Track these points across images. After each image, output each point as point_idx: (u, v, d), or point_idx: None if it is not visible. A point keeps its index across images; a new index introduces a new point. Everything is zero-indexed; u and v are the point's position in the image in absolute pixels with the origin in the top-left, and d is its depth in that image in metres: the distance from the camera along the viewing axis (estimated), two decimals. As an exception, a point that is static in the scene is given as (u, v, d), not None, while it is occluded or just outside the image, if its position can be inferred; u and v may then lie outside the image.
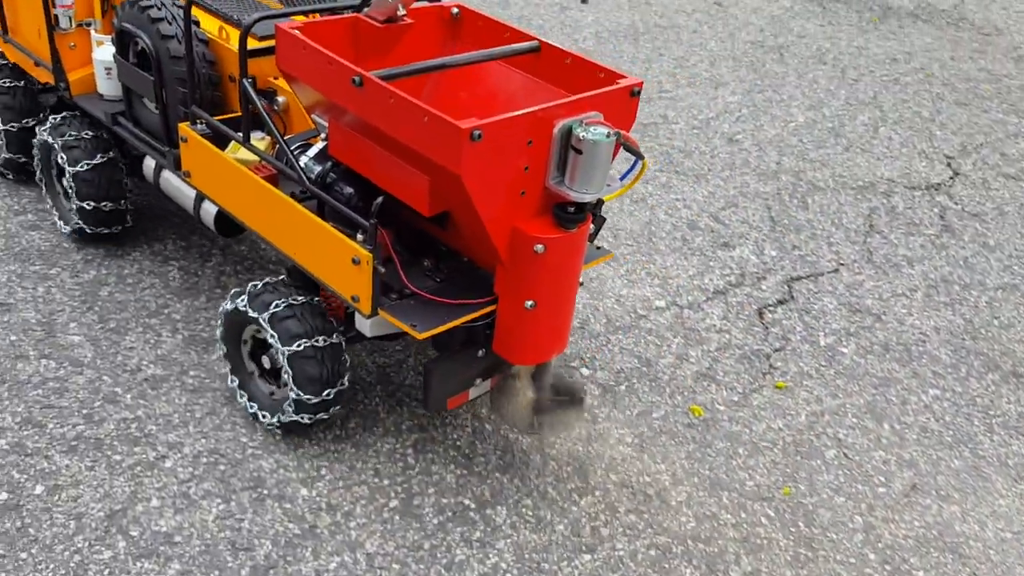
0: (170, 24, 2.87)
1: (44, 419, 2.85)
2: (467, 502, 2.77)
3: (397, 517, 2.69)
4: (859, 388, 3.45)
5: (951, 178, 5.15)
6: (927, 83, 6.47)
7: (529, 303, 2.39)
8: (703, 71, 6.24)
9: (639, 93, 2.41)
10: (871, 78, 6.46)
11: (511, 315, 2.45)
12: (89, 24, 3.31)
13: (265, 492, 2.71)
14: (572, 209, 2.30)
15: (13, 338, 3.13)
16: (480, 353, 2.63)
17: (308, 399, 2.68)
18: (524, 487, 2.84)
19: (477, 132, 2.06)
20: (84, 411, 2.90)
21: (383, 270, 2.40)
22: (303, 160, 2.59)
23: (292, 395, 2.68)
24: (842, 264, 4.21)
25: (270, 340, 2.65)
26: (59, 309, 3.29)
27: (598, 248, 2.85)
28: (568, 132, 2.22)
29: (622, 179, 2.41)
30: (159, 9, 2.87)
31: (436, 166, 2.18)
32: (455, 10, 2.78)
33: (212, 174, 2.86)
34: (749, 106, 5.75)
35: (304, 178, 2.55)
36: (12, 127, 3.69)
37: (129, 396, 2.98)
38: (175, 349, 3.19)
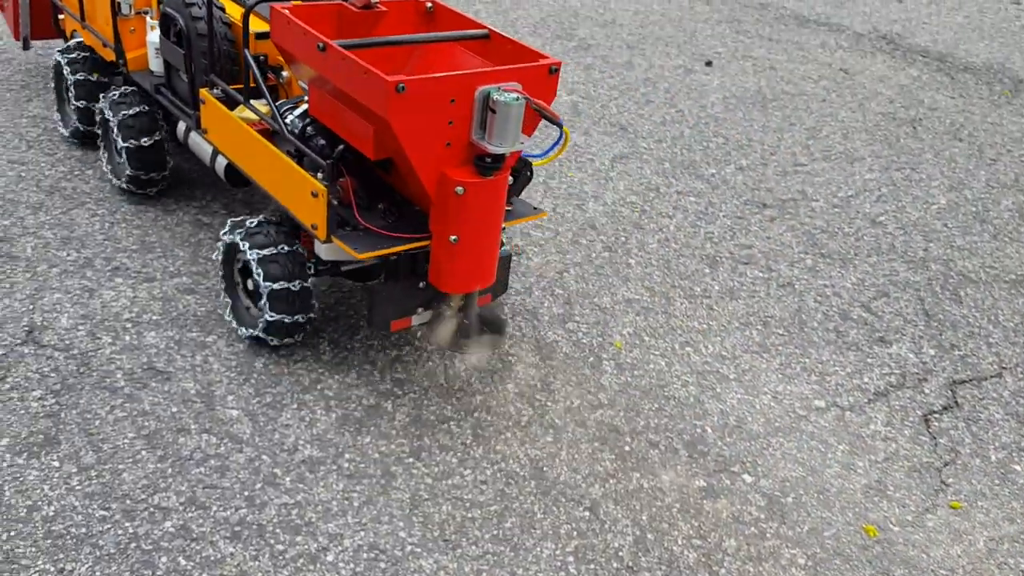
0: (200, 8, 3.48)
1: (208, 500, 2.81)
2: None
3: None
4: (1040, 513, 3.23)
5: (1111, 274, 4.88)
6: (1073, 166, 6.19)
7: (453, 238, 2.89)
8: (836, 143, 6.07)
9: (557, 71, 2.90)
10: (1010, 158, 6.20)
11: (440, 248, 2.96)
12: (146, 12, 4.01)
13: (431, 597, 2.61)
14: (489, 160, 2.79)
15: (174, 410, 3.11)
16: (421, 285, 3.13)
17: (280, 320, 3.24)
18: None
19: (401, 85, 2.59)
20: (246, 493, 2.85)
21: (336, 202, 2.94)
22: (289, 117, 3.21)
23: (266, 317, 3.23)
24: (1004, 368, 3.99)
25: (256, 275, 3.18)
26: (217, 380, 3.27)
27: (535, 208, 3.38)
28: (487, 96, 2.72)
29: (545, 154, 2.93)
30: None
31: (374, 115, 2.72)
32: (429, 5, 3.36)
33: (222, 130, 3.47)
34: (888, 184, 5.55)
35: (284, 129, 3.17)
36: (81, 104, 4.40)
37: (288, 479, 2.92)
38: (329, 429, 3.13)
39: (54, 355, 3.26)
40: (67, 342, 3.33)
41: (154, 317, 3.52)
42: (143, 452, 2.93)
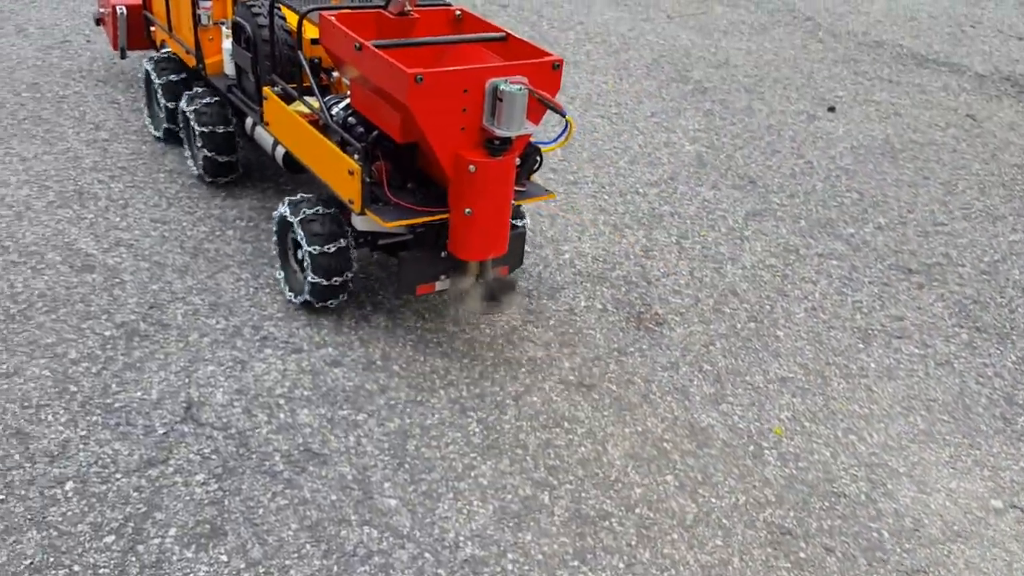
0: (265, 18, 3.94)
1: (376, 603, 2.72)
2: None
3: None
4: None
5: None
6: None
7: (468, 210, 3.32)
8: (974, 200, 5.79)
9: (559, 67, 3.34)
10: None
11: (457, 220, 3.40)
12: (222, 23, 4.54)
13: None
14: (497, 142, 3.25)
15: (333, 498, 3.04)
16: (443, 254, 3.56)
17: (319, 283, 3.69)
18: None
19: (420, 76, 3.05)
20: (412, 595, 2.76)
21: (370, 181, 3.38)
22: (335, 110, 3.68)
23: (309, 279, 3.69)
24: None
25: (299, 239, 3.65)
26: (371, 464, 3.19)
27: (545, 190, 3.77)
28: (496, 87, 3.16)
29: (553, 141, 3.49)
30: (258, 7, 4.01)
31: (399, 103, 3.17)
32: (458, 12, 3.81)
33: (281, 122, 3.94)
34: (1036, 247, 5.27)
35: (330, 120, 3.62)
36: (170, 104, 4.96)
37: (454, 580, 2.82)
38: (488, 524, 3.03)
39: (213, 434, 3.22)
40: (224, 420, 3.29)
41: (305, 392, 3.47)
42: (308, 546, 2.86)
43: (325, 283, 3.69)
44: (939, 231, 5.34)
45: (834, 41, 8.83)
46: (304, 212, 3.65)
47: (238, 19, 4.07)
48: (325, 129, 3.70)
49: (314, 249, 3.61)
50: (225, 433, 3.24)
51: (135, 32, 5.48)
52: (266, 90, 3.95)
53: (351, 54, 3.37)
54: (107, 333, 3.67)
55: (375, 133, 3.42)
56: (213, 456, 3.14)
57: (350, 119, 3.60)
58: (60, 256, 4.14)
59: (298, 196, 3.76)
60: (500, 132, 3.20)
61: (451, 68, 3.17)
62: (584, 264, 4.54)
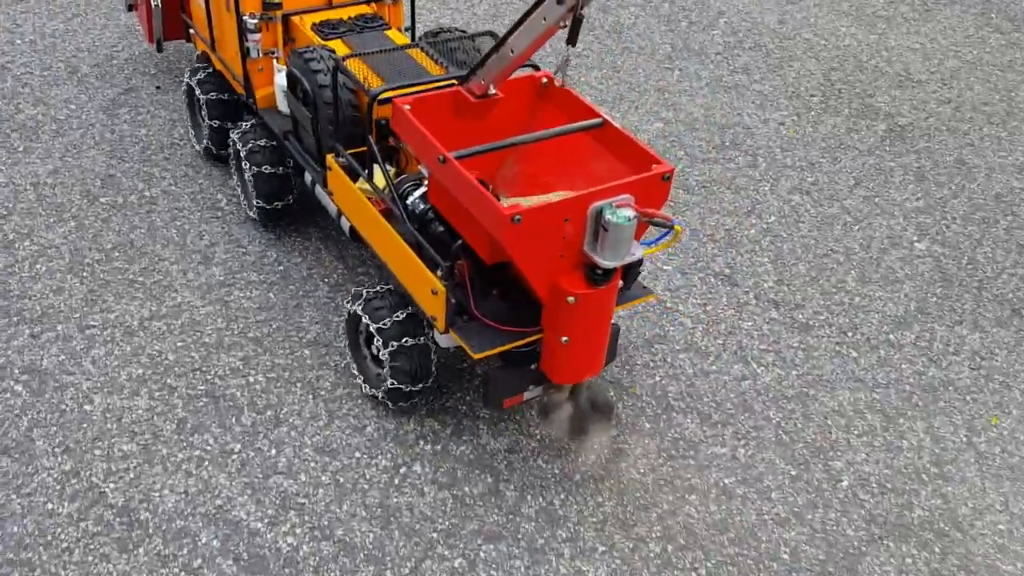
0: (325, 75, 3.65)
1: None
2: None
3: None
4: None
5: None
6: None
7: (565, 339, 3.03)
8: None
9: (670, 178, 2.99)
10: None
11: (552, 345, 3.11)
12: (272, 53, 4.21)
13: None
14: (600, 272, 2.92)
15: None
16: (532, 367, 3.24)
17: (402, 387, 3.42)
18: None
19: (518, 217, 2.73)
20: None
21: (453, 300, 3.10)
22: (410, 199, 3.35)
23: (389, 382, 3.43)
24: None
25: (376, 341, 3.39)
26: None
27: (644, 288, 3.50)
28: (600, 213, 2.83)
29: (654, 242, 3.10)
30: (318, 63, 3.70)
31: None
32: (544, 80, 3.40)
33: (347, 198, 3.66)
34: None
35: (404, 216, 3.31)
36: (215, 123, 4.63)
37: None
38: None
39: None
40: None
41: None
42: None
43: (406, 389, 3.44)
44: None
45: (1014, 29, 7.46)
46: (383, 319, 3.36)
47: (294, 71, 3.76)
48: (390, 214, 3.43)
49: (392, 355, 3.37)
50: None
51: (172, 22, 5.01)
52: (329, 159, 3.66)
53: (432, 161, 3.03)
54: None
55: (458, 244, 3.12)
56: None
57: (428, 214, 3.29)
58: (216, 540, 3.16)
59: (371, 292, 3.46)
60: (604, 263, 2.89)
61: (552, 200, 2.86)
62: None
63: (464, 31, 4.28)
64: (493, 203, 2.79)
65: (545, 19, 2.88)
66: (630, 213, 2.81)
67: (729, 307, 4.38)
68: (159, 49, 5.09)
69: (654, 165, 3.01)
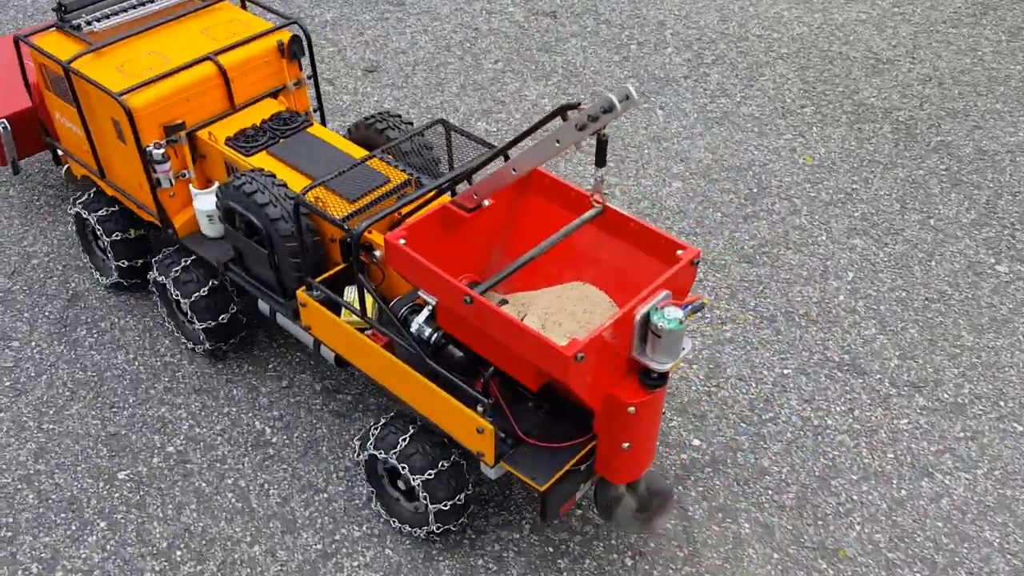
0: (275, 207, 3.34)
1: None
2: None
3: None
4: None
5: None
6: None
7: (625, 445, 2.89)
8: None
9: (698, 263, 2.91)
10: None
11: (610, 451, 2.96)
12: (184, 175, 3.85)
13: None
14: (656, 375, 2.79)
15: None
16: (582, 467, 3.07)
17: (444, 507, 3.20)
18: None
19: (581, 355, 2.58)
20: None
21: (505, 437, 2.98)
22: (415, 324, 3.10)
23: (432, 510, 3.19)
24: None
25: (402, 472, 3.18)
26: None
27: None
28: (646, 317, 2.71)
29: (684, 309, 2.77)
30: (263, 194, 3.35)
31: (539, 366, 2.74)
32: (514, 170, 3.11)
33: (334, 332, 3.35)
34: None
35: (420, 350, 3.04)
36: (124, 264, 4.26)
37: None
38: None
39: None
40: None
41: None
42: None
43: (446, 508, 3.23)
44: None
45: (937, -26, 7.29)
46: (414, 461, 3.16)
47: (232, 204, 3.46)
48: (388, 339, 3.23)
49: (429, 489, 3.20)
50: None
51: (26, 140, 4.57)
52: (302, 296, 3.38)
53: (454, 300, 2.82)
54: None
55: (492, 370, 2.94)
56: None
57: (441, 340, 3.09)
58: None
59: (387, 430, 3.25)
60: (660, 367, 2.77)
61: (605, 324, 2.67)
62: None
63: (403, 119, 4.03)
64: (549, 343, 2.61)
65: (559, 142, 2.74)
66: (679, 314, 2.69)
67: (875, 405, 3.97)
68: (15, 171, 4.59)
69: (680, 251, 2.90)
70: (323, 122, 4.34)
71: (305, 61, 4.17)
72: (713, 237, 4.85)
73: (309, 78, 4.28)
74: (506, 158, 3.18)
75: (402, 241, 2.93)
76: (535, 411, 3.11)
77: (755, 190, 5.16)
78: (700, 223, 4.94)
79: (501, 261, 3.22)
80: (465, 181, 3.26)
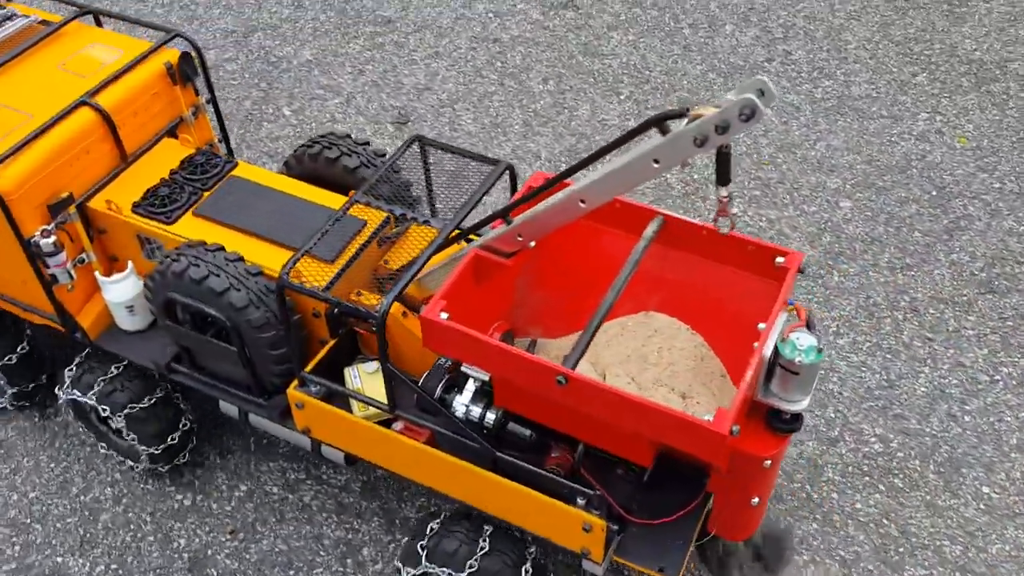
0: (239, 291, 2.68)
1: None
2: None
3: None
4: None
5: None
6: None
7: (755, 500, 2.51)
8: None
9: (804, 269, 2.49)
10: None
11: (736, 509, 2.56)
12: (83, 261, 3.07)
13: None
14: (788, 417, 2.36)
15: None
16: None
17: None
18: None
19: (736, 428, 2.12)
20: None
21: (615, 528, 2.50)
22: (458, 409, 2.56)
23: None
24: None
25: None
26: None
27: None
28: (778, 353, 2.26)
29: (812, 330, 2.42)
30: (219, 278, 2.67)
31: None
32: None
33: (347, 433, 2.80)
34: None
35: (484, 444, 2.52)
36: (18, 389, 3.48)
37: None
38: None
39: None
40: None
41: None
42: None
43: None
44: None
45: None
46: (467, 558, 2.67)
47: (176, 296, 2.75)
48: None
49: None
50: None
51: None
52: (296, 395, 2.76)
53: (545, 386, 2.27)
54: None
55: (580, 451, 2.55)
56: None
57: (501, 420, 2.56)
58: None
59: (433, 533, 2.72)
60: (795, 407, 2.32)
61: (745, 380, 2.18)
62: None
63: (355, 140, 3.23)
64: (694, 421, 2.12)
65: (657, 162, 2.13)
66: (813, 341, 2.25)
67: None
68: None
69: (779, 259, 2.43)
70: (230, 154, 3.39)
71: (200, 83, 3.27)
72: (933, 267, 4.03)
73: (207, 102, 3.33)
74: (548, 188, 2.50)
75: (444, 316, 2.36)
76: (623, 478, 2.67)
77: (934, 193, 4.35)
78: (904, 250, 4.08)
79: (530, 298, 2.71)
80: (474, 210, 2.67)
